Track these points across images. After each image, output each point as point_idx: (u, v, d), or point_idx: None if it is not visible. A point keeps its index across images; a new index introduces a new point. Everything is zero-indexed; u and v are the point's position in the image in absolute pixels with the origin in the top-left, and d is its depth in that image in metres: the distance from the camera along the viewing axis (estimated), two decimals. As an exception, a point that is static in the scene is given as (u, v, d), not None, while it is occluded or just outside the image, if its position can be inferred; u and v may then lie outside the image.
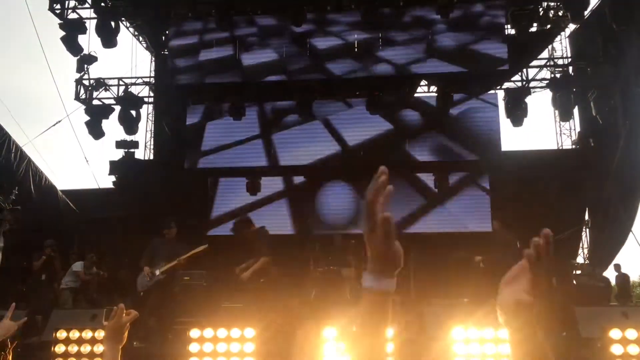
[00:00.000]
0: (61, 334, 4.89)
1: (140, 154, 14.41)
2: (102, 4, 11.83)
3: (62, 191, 12.67)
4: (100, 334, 4.77)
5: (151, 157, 15.04)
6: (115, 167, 13.46)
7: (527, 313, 1.14)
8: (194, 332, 4.73)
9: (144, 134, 15.30)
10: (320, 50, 12.40)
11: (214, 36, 12.58)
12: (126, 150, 13.48)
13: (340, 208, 12.55)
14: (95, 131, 12.40)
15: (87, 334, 4.87)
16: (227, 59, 12.60)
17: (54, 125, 12.42)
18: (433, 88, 13.75)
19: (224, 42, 12.63)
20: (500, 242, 7.49)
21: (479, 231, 11.52)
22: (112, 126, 12.76)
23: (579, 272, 11.58)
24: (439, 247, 10.40)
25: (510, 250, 7.04)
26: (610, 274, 11.60)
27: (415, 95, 13.93)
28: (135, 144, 13.59)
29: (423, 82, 13.89)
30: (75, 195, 12.87)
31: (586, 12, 11.15)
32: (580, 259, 12.76)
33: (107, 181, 13.64)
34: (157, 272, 7.23)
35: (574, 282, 11.04)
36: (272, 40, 12.66)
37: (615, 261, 11.59)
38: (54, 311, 6.03)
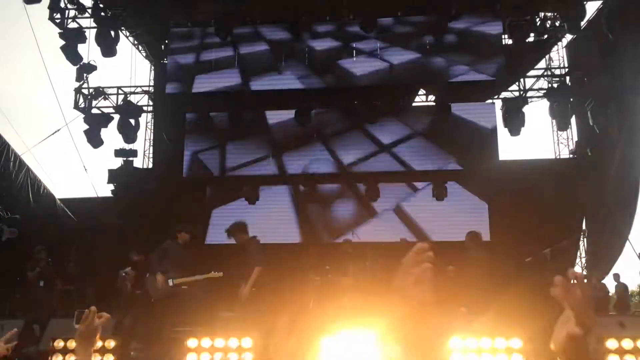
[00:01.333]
0: (58, 344, 4.89)
1: (139, 162, 14.44)
2: (102, 14, 11.89)
3: (61, 199, 12.67)
4: (97, 343, 4.76)
5: (150, 166, 15.04)
6: (113, 176, 13.47)
7: (579, 344, 1.32)
8: (192, 342, 4.73)
9: (143, 142, 15.33)
10: (318, 59, 12.49)
11: (214, 45, 12.68)
12: (125, 158, 13.50)
13: (340, 218, 12.57)
14: (94, 140, 12.41)
15: (85, 344, 4.86)
16: (226, 68, 12.69)
17: (53, 134, 12.43)
18: (431, 97, 13.83)
19: (224, 51, 12.72)
20: (472, 258, 7.43)
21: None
22: (111, 134, 12.81)
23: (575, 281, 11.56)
24: (441, 256, 10.39)
25: (479, 268, 7.05)
26: (609, 283, 11.64)
27: (413, 104, 14.01)
28: (134, 153, 13.62)
29: (421, 91, 13.96)
30: (74, 203, 12.86)
31: (582, 23, 11.22)
32: (578, 269, 12.75)
33: (105, 190, 13.65)
34: (170, 283, 7.12)
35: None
36: (271, 49, 12.76)
37: (614, 271, 11.62)
38: (51, 321, 6.03)
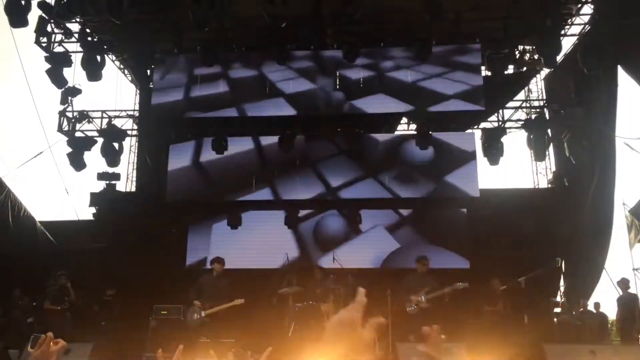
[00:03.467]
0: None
1: (121, 186, 14.42)
2: (89, 38, 11.99)
3: (41, 222, 12.59)
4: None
5: (133, 189, 15.03)
6: (95, 199, 13.42)
7: None
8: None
9: (126, 166, 15.34)
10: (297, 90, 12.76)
11: (199, 71, 12.87)
12: (108, 182, 13.48)
13: (322, 242, 12.65)
14: (77, 163, 12.39)
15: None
16: (211, 93, 12.85)
17: (36, 156, 12.41)
18: (413, 126, 14.09)
19: (209, 77, 12.90)
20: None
21: (457, 268, 11.71)
22: (94, 157, 12.81)
23: (558, 309, 11.74)
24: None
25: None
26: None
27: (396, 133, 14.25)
28: (116, 176, 13.59)
29: (403, 120, 14.23)
30: (54, 226, 12.79)
31: (559, 57, 11.58)
32: (558, 297, 12.91)
33: (87, 213, 13.58)
34: (203, 314, 7.73)
35: (555, 319, 11.21)
36: (255, 77, 12.97)
37: (596, 300, 11.78)
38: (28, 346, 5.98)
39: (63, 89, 12.11)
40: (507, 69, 12.52)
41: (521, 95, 14.26)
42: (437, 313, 7.30)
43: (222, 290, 8.34)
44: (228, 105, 12.93)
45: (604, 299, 11.76)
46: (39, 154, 12.46)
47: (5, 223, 11.47)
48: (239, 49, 12.95)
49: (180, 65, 13.16)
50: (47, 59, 11.71)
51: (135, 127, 14.66)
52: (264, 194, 12.98)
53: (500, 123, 13.35)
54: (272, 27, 10.12)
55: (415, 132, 12.95)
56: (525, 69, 13.24)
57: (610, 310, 11.54)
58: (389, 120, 13.80)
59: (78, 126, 13.31)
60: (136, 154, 15.28)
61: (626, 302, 10.53)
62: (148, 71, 13.72)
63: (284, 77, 12.94)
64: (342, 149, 13.09)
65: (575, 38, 12.33)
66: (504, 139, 12.12)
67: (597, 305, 11.64)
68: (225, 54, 12.72)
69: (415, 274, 8.23)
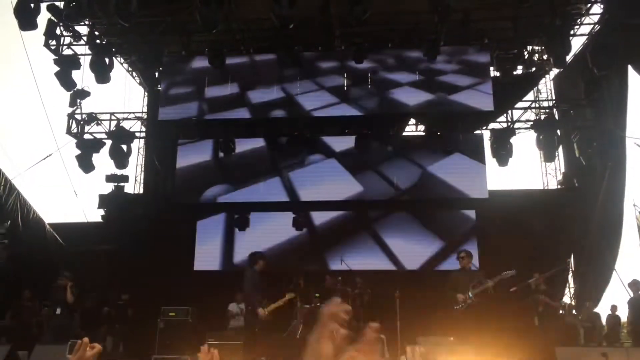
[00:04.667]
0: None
1: (130, 188, 14.47)
2: (97, 41, 12.04)
3: (50, 224, 12.65)
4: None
5: (141, 191, 15.08)
6: (104, 201, 13.48)
7: None
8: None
9: (135, 168, 15.39)
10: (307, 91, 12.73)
11: (206, 73, 12.88)
12: (116, 184, 13.53)
13: (331, 246, 12.61)
14: (86, 165, 12.44)
15: (69, 370, 4.87)
16: (220, 95, 12.88)
17: (45, 158, 12.48)
18: (421, 127, 14.05)
19: (216, 80, 12.91)
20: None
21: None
22: (102, 160, 12.86)
23: (563, 312, 11.65)
24: (426, 285, 10.42)
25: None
26: (604, 313, 11.68)
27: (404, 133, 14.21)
28: (125, 178, 13.65)
29: (412, 121, 14.17)
30: (63, 228, 12.84)
31: (568, 57, 11.49)
32: (567, 299, 12.81)
33: (96, 215, 13.64)
34: (265, 312, 7.55)
35: (563, 321, 11.10)
36: (263, 79, 12.97)
37: (613, 302, 11.68)
38: (36, 347, 6.01)
39: (72, 92, 12.19)
40: (516, 69, 12.45)
41: (530, 96, 14.18)
42: (482, 308, 6.91)
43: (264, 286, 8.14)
44: (238, 106, 12.91)
45: (614, 301, 11.66)
46: (48, 156, 12.54)
47: (15, 225, 11.53)
48: (247, 51, 12.97)
49: (187, 67, 13.16)
50: (56, 62, 11.77)
51: (144, 129, 14.69)
52: (274, 187, 12.95)
53: (509, 124, 13.27)
54: (280, 28, 10.10)
55: (423, 133, 12.90)
56: (534, 69, 13.13)
57: (622, 313, 11.42)
58: (397, 122, 13.75)
59: (87, 128, 13.36)
60: (144, 156, 15.33)
61: (637, 304, 10.40)
62: (156, 73, 13.78)
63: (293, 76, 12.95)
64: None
65: (584, 38, 12.24)
66: (513, 140, 12.06)
67: (613, 307, 11.54)
68: (233, 57, 12.74)
69: (459, 272, 7.67)
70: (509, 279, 7.04)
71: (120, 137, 12.95)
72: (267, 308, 7.57)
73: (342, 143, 13.06)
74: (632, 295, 10.36)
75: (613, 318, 11.54)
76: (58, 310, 8.46)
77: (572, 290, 13.09)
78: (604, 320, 11.53)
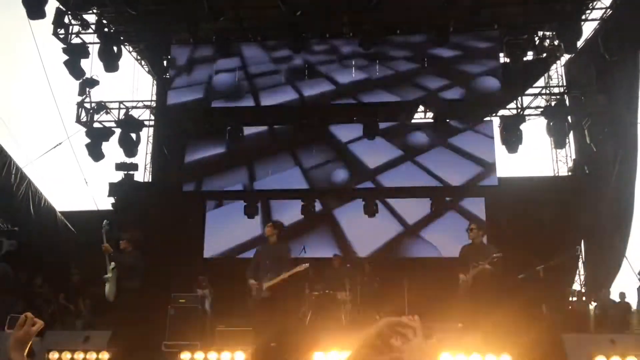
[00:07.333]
0: (53, 355, 4.94)
1: (139, 176, 14.54)
2: (106, 29, 12.05)
3: (61, 212, 12.75)
4: (92, 355, 4.82)
5: (150, 180, 15.14)
6: (114, 189, 13.56)
7: None
8: (185, 355, 4.79)
9: (144, 156, 15.44)
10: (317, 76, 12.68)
11: (214, 60, 12.86)
12: (126, 172, 13.60)
13: (338, 232, 12.64)
14: (95, 153, 12.52)
15: (79, 356, 4.93)
16: (227, 83, 12.85)
17: (55, 147, 12.55)
18: (430, 114, 13.96)
19: (224, 67, 12.89)
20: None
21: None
22: (112, 148, 12.92)
23: (574, 299, 11.62)
24: (434, 272, 10.42)
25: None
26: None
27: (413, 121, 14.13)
28: (134, 167, 13.71)
29: (420, 108, 14.08)
30: (74, 216, 12.94)
31: (579, 43, 11.35)
32: (577, 286, 12.76)
33: (106, 203, 13.72)
34: (264, 288, 6.94)
35: (569, 308, 11.08)
36: (271, 65, 12.93)
37: (621, 289, 11.60)
38: (47, 333, 6.07)
39: (81, 80, 12.23)
40: (526, 55, 12.31)
41: (541, 82, 14.00)
42: (478, 290, 6.75)
43: (282, 259, 7.20)
44: (245, 95, 12.90)
45: (625, 288, 11.59)
46: (57, 145, 12.60)
47: (27, 213, 11.64)
48: (254, 39, 12.92)
49: (195, 54, 13.14)
50: (64, 51, 11.81)
51: (152, 117, 14.73)
52: (286, 175, 13.02)
53: (519, 110, 13.15)
54: (287, 15, 10.05)
55: (432, 120, 12.82)
56: (544, 55, 12.97)
57: (631, 300, 11.35)
58: (406, 109, 13.67)
59: (96, 117, 13.43)
60: (153, 144, 15.37)
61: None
62: (164, 61, 13.77)
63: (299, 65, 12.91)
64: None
65: (596, 23, 12.04)
66: (523, 127, 11.95)
67: (622, 295, 11.48)
68: (241, 44, 12.70)
69: (469, 246, 7.33)
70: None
71: (130, 125, 13.02)
72: (268, 283, 6.90)
73: (351, 131, 13.06)
74: (642, 282, 10.30)
75: (622, 305, 11.49)
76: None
77: (582, 277, 13.04)
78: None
